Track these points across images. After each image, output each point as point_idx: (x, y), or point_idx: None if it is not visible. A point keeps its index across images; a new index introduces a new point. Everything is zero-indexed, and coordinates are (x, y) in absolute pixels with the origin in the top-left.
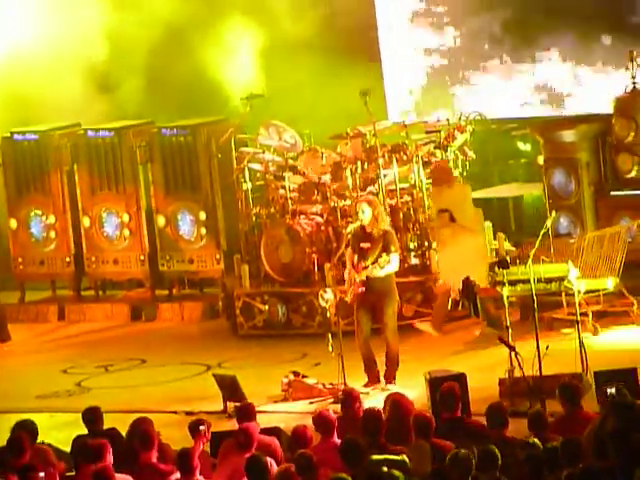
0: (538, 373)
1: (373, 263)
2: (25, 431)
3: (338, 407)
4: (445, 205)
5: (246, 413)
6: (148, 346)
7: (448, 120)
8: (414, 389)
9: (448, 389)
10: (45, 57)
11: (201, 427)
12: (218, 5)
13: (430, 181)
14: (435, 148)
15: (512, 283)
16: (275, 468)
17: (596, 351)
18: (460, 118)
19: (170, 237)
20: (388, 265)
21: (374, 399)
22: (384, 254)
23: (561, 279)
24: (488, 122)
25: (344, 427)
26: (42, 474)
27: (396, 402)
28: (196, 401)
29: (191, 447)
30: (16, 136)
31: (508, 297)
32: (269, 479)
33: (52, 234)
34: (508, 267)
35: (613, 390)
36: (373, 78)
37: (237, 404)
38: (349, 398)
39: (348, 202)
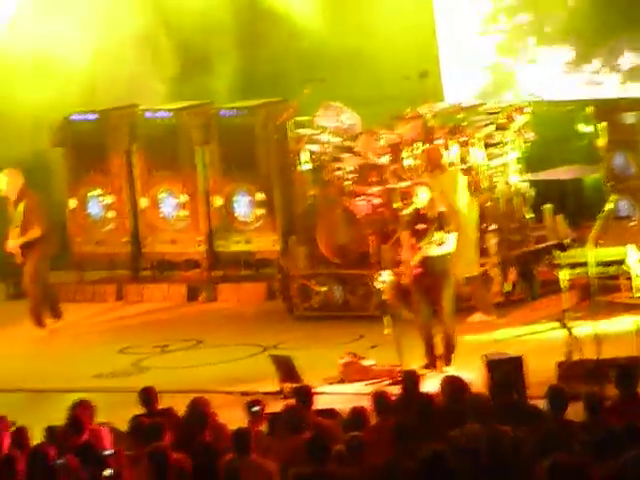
0: (596, 356)
1: (429, 243)
2: (83, 410)
3: (395, 389)
4: (439, 191)
5: (302, 394)
6: (204, 327)
7: (508, 102)
8: (471, 372)
9: (505, 372)
10: (106, 37)
11: (256, 408)
12: None
13: (424, 169)
14: (495, 130)
15: (571, 266)
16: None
17: None
18: (520, 99)
19: (227, 218)
20: (444, 245)
21: (432, 381)
22: (440, 231)
23: (620, 262)
24: (548, 104)
25: (402, 409)
26: (108, 452)
27: (452, 384)
28: (252, 382)
29: (246, 427)
30: (76, 117)
31: (566, 280)
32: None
33: (110, 214)
34: (566, 250)
35: None
36: (431, 59)
37: (293, 385)
38: (407, 380)
39: (406, 184)
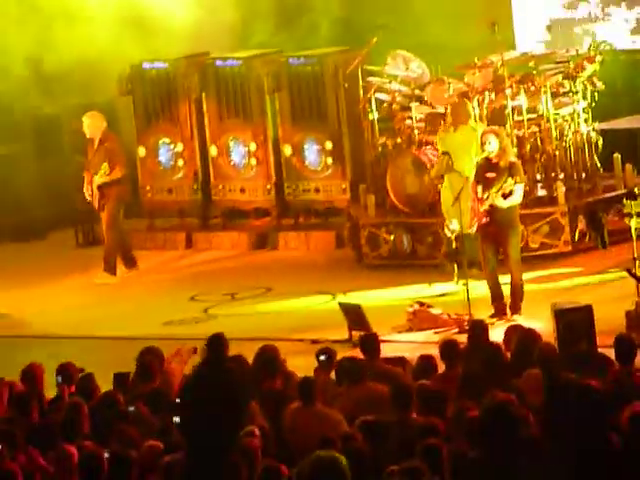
0: None
1: (497, 192)
2: (153, 357)
3: (463, 337)
4: (447, 148)
5: (370, 343)
6: (274, 275)
7: (577, 50)
8: (540, 320)
9: (574, 321)
10: None
11: (323, 356)
12: None
13: (448, 119)
14: (564, 79)
15: None
16: None
17: None
18: (590, 48)
19: (296, 166)
20: (512, 195)
21: (500, 330)
22: (509, 179)
23: None
24: (618, 53)
25: (469, 358)
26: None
27: (518, 334)
28: (321, 329)
29: (311, 377)
30: (145, 65)
31: (636, 229)
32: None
33: (180, 162)
34: (636, 199)
35: None
36: (502, 8)
37: (362, 333)
38: (476, 328)
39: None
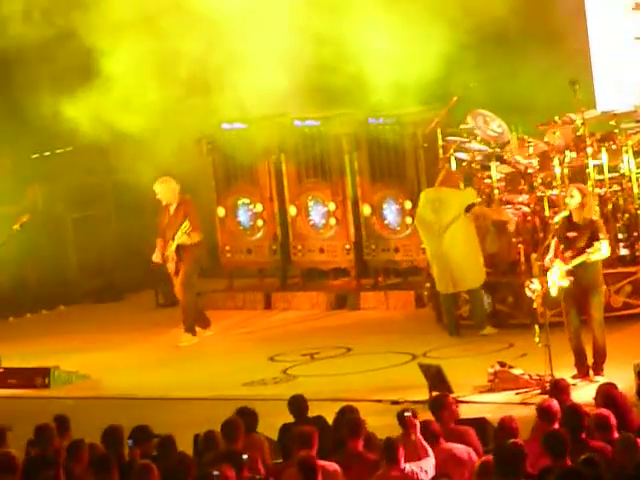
0: None
1: (584, 249)
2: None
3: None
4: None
5: (438, 404)
6: (353, 335)
7: None
8: (622, 381)
9: None
10: (254, 46)
11: (406, 413)
12: None
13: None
14: None
15: None
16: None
17: None
18: None
19: (375, 226)
20: (598, 253)
21: (582, 391)
22: (595, 243)
23: None
24: None
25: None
26: (245, 456)
27: (608, 393)
28: (401, 390)
29: (396, 437)
30: (224, 125)
31: None
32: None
33: (259, 223)
34: None
35: None
36: (581, 67)
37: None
38: (558, 388)
39: (555, 192)
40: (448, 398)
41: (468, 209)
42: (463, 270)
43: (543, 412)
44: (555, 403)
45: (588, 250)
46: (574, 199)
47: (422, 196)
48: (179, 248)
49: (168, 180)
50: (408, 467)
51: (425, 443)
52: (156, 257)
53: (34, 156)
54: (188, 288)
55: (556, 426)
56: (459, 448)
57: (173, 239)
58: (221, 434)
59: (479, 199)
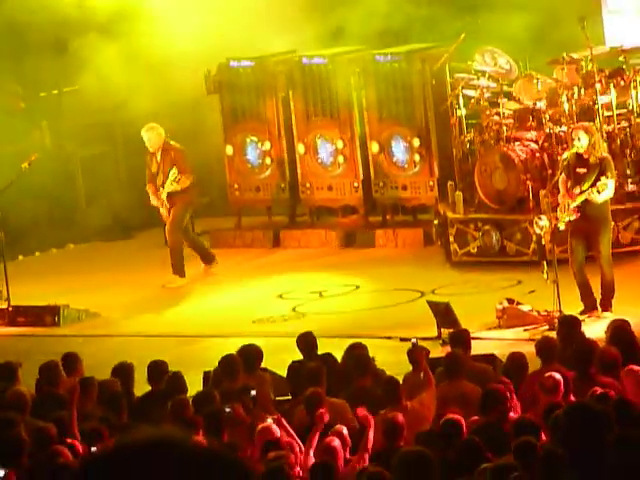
0: None
1: (591, 187)
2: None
3: (553, 334)
4: None
5: (460, 339)
6: (362, 272)
7: None
8: (630, 316)
9: None
10: None
11: (413, 340)
12: None
13: None
14: None
15: None
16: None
17: None
18: None
19: (384, 164)
20: (605, 191)
21: (590, 327)
22: (602, 178)
23: None
24: None
25: (561, 355)
26: (254, 392)
27: (619, 329)
28: (410, 327)
29: (406, 374)
30: (232, 63)
31: None
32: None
33: (267, 160)
34: None
35: None
36: (591, 3)
37: (451, 330)
38: (567, 324)
39: (564, 128)
40: (468, 334)
41: None
42: None
43: (541, 348)
44: (553, 339)
45: (596, 185)
46: (581, 141)
47: None
48: (170, 194)
49: (155, 127)
50: (409, 405)
51: (431, 375)
52: (154, 201)
53: (42, 94)
54: (176, 231)
55: (556, 363)
56: (474, 387)
57: (163, 187)
58: (220, 371)
59: None
